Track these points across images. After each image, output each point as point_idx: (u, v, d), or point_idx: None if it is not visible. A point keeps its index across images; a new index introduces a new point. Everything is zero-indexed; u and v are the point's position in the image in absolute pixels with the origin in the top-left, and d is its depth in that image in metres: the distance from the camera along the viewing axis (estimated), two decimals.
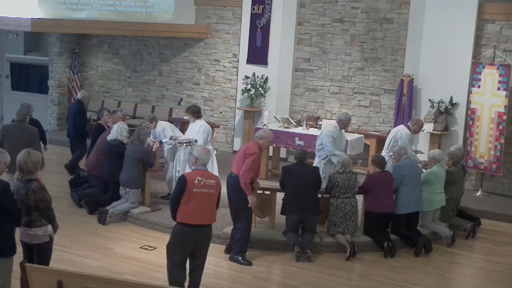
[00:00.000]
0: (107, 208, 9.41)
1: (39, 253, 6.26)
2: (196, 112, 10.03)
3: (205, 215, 6.50)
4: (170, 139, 10.08)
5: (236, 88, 14.02)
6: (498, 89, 11.09)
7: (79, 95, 12.74)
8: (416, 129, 10.27)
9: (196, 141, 9.75)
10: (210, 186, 6.50)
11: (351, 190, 8.68)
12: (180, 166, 9.99)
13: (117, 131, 9.69)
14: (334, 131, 9.66)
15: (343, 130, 9.90)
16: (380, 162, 9.05)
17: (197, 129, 9.88)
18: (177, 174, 9.88)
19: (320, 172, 9.11)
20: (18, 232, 6.20)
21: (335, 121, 9.95)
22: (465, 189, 10.50)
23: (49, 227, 6.21)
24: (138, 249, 8.51)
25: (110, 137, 9.74)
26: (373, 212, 8.83)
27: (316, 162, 9.70)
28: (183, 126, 11.05)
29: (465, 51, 11.57)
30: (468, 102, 11.55)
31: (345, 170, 8.77)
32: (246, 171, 7.86)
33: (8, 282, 5.92)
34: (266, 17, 13.42)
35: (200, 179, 6.44)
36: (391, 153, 9.77)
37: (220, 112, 14.46)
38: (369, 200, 8.89)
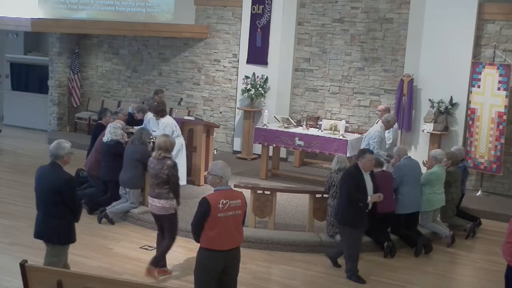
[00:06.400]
0: (106, 208, 9.42)
1: (167, 223, 7.41)
2: (159, 111, 10.49)
3: (232, 238, 5.77)
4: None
5: (236, 88, 14.02)
6: (498, 89, 11.10)
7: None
8: (387, 124, 10.17)
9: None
10: (235, 207, 5.74)
11: None
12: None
13: (110, 131, 9.69)
14: (381, 131, 9.91)
15: (386, 131, 10.18)
16: (376, 161, 8.96)
17: (161, 127, 10.31)
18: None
19: None
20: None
21: (381, 121, 10.14)
22: (465, 189, 10.48)
23: (175, 201, 7.34)
24: (138, 249, 8.51)
25: (105, 138, 9.74)
26: (373, 212, 8.79)
27: None
28: (183, 126, 11.08)
29: (465, 51, 11.57)
30: (468, 102, 11.56)
31: (341, 167, 8.67)
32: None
33: (66, 262, 6.44)
34: (266, 17, 13.42)
35: (224, 201, 5.66)
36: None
37: (220, 112, 14.46)
38: None
